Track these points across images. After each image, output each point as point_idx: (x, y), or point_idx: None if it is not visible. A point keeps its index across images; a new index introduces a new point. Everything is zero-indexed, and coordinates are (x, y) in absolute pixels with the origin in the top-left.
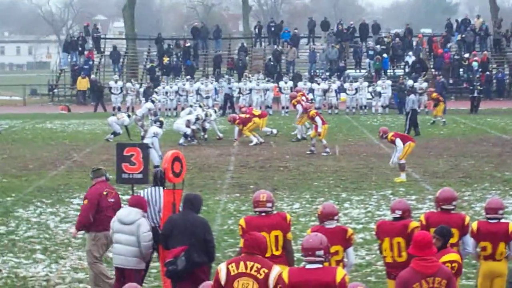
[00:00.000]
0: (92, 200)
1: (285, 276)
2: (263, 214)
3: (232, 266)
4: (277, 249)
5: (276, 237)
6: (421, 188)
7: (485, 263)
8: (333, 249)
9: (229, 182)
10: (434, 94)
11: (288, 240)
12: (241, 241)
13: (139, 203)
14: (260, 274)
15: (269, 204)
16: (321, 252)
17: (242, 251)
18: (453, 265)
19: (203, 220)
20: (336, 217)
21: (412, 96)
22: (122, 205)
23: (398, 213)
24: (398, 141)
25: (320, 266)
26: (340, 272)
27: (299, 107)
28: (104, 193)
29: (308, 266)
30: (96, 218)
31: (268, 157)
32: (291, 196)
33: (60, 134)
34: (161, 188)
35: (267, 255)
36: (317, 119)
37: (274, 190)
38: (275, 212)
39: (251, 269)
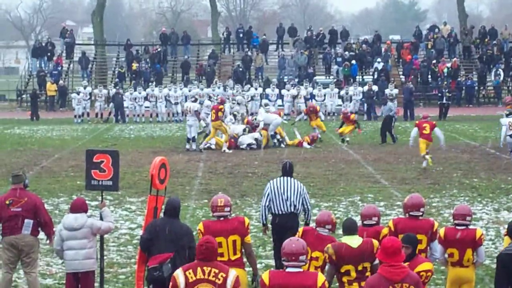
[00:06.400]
0: None
1: (266, 279)
2: (221, 218)
3: (189, 273)
4: (234, 254)
5: (234, 241)
6: (390, 194)
7: (452, 270)
8: (315, 254)
9: (198, 188)
10: None
11: (247, 244)
12: None
13: (81, 208)
14: (219, 279)
15: (227, 209)
16: (304, 257)
17: (197, 257)
18: (427, 274)
19: (188, 228)
20: (328, 226)
21: (390, 103)
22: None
23: (374, 219)
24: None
25: (301, 270)
26: (321, 277)
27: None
28: (7, 202)
29: (289, 269)
30: (3, 226)
31: (237, 163)
32: (259, 203)
33: (29, 140)
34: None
35: (225, 259)
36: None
37: (242, 196)
38: (233, 216)
39: (209, 275)
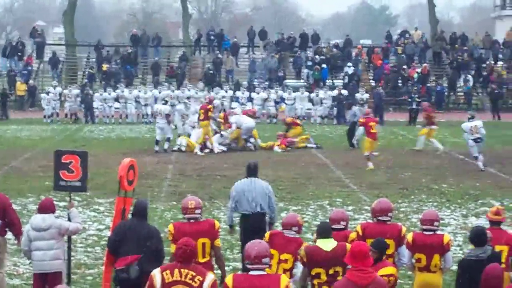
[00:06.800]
0: None
1: (229, 282)
2: (192, 221)
3: (166, 274)
4: (203, 256)
5: (204, 244)
6: (359, 198)
7: (420, 275)
8: (283, 256)
9: (167, 190)
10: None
11: (217, 247)
12: (171, 247)
13: (49, 208)
14: (195, 282)
15: (198, 211)
16: (267, 259)
17: (176, 259)
18: (390, 278)
19: (156, 230)
20: (295, 229)
21: (354, 108)
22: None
23: (343, 224)
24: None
25: (264, 272)
26: (284, 279)
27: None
28: None
29: (253, 272)
30: None
31: (206, 165)
32: (228, 205)
33: None
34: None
35: None
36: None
37: (211, 199)
38: (203, 219)
39: (185, 277)
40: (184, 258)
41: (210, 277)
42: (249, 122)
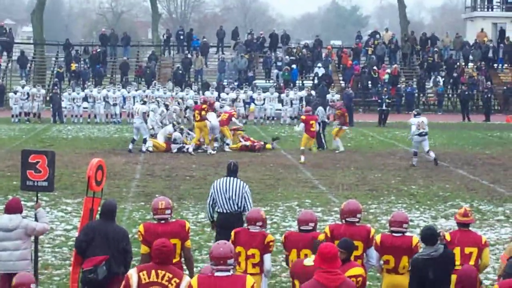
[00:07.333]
0: None
1: (195, 284)
2: (162, 221)
3: (143, 274)
4: (174, 257)
5: (174, 245)
6: (328, 200)
7: (388, 276)
8: (250, 252)
9: (135, 190)
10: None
11: (187, 248)
12: (142, 247)
13: (16, 208)
14: (172, 284)
15: (168, 211)
16: (232, 261)
17: (152, 260)
18: (358, 279)
19: (124, 231)
20: (259, 223)
21: (319, 109)
22: None
23: (311, 225)
24: None
25: (230, 273)
26: (250, 280)
27: None
28: None
29: (218, 273)
30: None
31: (174, 166)
32: (196, 206)
33: None
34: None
35: None
36: None
37: (179, 200)
38: (174, 219)
39: (162, 279)
40: (161, 259)
41: (186, 279)
42: (213, 120)
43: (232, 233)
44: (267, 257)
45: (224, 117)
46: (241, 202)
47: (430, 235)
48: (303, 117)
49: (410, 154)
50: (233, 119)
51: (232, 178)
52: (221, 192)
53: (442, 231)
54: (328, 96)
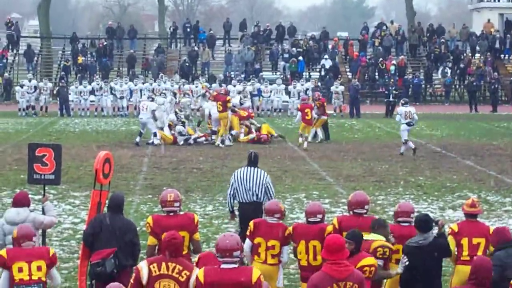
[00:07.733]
0: None
1: (201, 276)
2: (171, 214)
3: (154, 267)
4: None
5: (182, 238)
6: (335, 191)
7: (395, 267)
8: (270, 243)
9: (142, 183)
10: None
11: (196, 241)
12: (149, 239)
13: (23, 202)
14: (182, 277)
15: (177, 204)
16: (238, 253)
17: (162, 252)
18: (371, 269)
19: (132, 224)
20: (277, 215)
21: None
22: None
23: (319, 217)
24: None
25: (236, 266)
26: (256, 272)
27: None
28: None
29: (224, 266)
30: None
31: (181, 158)
32: (204, 198)
33: None
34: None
35: None
36: None
37: (187, 192)
38: (182, 212)
39: (173, 271)
40: (171, 251)
41: (196, 271)
42: (214, 111)
43: (251, 224)
44: (286, 249)
45: (244, 114)
46: (261, 193)
47: (423, 221)
48: (299, 105)
49: (417, 145)
50: (252, 120)
51: (253, 168)
52: (241, 182)
53: (441, 220)
54: (332, 88)
